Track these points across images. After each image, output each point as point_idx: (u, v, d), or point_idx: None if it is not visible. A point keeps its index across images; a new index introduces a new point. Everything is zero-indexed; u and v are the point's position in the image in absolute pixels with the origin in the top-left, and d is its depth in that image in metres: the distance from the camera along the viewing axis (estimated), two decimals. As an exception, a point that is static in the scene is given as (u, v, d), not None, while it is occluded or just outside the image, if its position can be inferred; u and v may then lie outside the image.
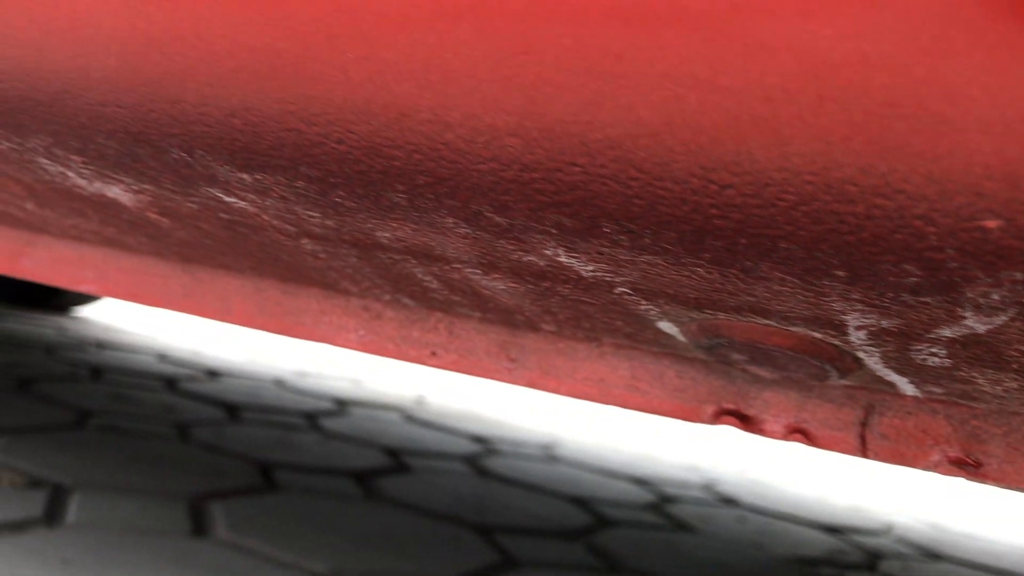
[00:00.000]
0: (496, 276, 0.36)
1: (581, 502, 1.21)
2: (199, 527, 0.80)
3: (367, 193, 0.31)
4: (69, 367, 1.50)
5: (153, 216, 0.40)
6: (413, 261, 0.36)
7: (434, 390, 2.23)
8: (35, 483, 0.82)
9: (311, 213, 0.35)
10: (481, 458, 1.39)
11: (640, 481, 1.46)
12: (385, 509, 0.98)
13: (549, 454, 1.55)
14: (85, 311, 2.39)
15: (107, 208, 0.42)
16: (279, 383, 1.78)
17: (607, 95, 0.23)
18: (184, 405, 1.35)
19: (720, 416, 0.44)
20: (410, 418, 1.66)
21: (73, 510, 0.78)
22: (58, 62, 0.30)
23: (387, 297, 0.43)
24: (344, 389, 1.89)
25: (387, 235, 0.34)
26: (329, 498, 0.98)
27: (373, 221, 0.33)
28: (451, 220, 0.31)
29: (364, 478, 1.11)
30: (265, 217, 0.36)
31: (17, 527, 0.71)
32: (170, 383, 1.53)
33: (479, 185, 0.29)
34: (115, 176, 0.37)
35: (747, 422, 0.44)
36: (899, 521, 1.61)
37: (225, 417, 1.32)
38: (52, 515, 0.75)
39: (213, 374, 1.73)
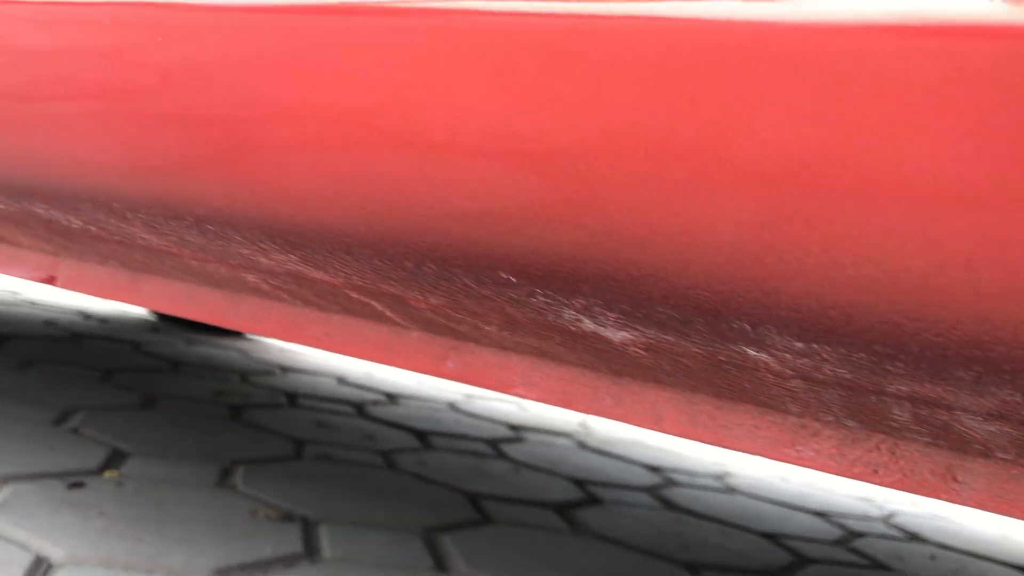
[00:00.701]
0: (997, 423, 0.37)
1: (772, 537, 1.21)
2: (439, 562, 0.84)
3: (931, 368, 0.32)
4: (267, 392, 1.59)
5: (634, 351, 0.43)
6: (907, 405, 0.38)
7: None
8: (287, 516, 0.89)
9: (838, 370, 0.37)
10: (662, 489, 1.41)
11: (820, 514, 1.45)
12: (595, 543, 1.01)
13: (725, 484, 1.56)
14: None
15: (583, 339, 0.45)
16: (453, 406, 1.84)
17: None
18: (379, 432, 1.42)
19: None
20: (582, 445, 1.69)
21: (326, 544, 0.84)
22: (656, 256, 0.33)
23: (829, 418, 0.45)
24: (512, 413, 1.93)
25: (905, 388, 0.36)
26: (540, 531, 1.02)
27: (906, 381, 0.35)
28: (1008, 391, 0.32)
29: (563, 510, 1.14)
30: (773, 364, 0.38)
31: (287, 562, 0.77)
32: (359, 408, 1.60)
33: None
34: (640, 329, 0.40)
35: None
36: (1093, 561, 1.54)
37: (419, 444, 1.38)
38: (311, 550, 0.81)
39: (392, 397, 1.80)
